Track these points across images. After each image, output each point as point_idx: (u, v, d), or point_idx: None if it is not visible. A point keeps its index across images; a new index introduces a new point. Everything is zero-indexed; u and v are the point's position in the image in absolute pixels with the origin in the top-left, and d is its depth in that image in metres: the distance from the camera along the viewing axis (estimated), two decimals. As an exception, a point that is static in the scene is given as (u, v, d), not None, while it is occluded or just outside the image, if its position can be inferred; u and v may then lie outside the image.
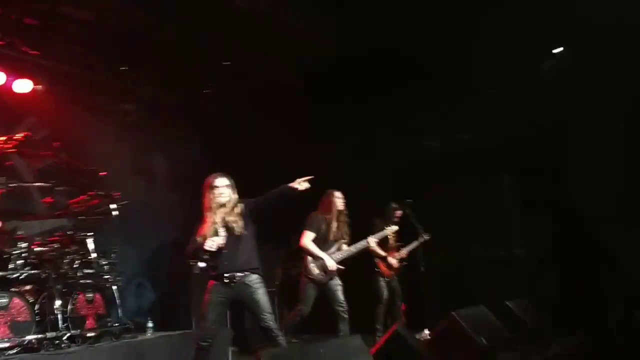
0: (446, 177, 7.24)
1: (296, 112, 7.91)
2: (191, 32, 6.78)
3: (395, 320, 6.32)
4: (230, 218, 4.37)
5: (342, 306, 5.26)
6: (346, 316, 5.25)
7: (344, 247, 5.50)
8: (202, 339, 4.34)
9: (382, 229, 5.90)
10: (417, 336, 5.86)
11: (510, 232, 7.15)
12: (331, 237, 5.42)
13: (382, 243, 6.27)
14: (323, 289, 5.35)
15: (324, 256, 5.30)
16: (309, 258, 5.33)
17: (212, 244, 4.29)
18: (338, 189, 5.62)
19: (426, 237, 6.37)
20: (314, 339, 4.74)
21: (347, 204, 5.58)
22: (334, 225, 5.44)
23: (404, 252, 6.64)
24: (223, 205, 4.41)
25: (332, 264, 5.29)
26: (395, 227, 5.90)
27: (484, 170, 7.24)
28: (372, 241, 5.60)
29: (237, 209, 4.43)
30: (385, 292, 6.39)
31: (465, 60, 6.78)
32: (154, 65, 7.26)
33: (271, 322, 4.28)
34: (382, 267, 6.48)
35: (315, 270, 5.33)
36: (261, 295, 4.34)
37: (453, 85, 7.03)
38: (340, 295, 5.33)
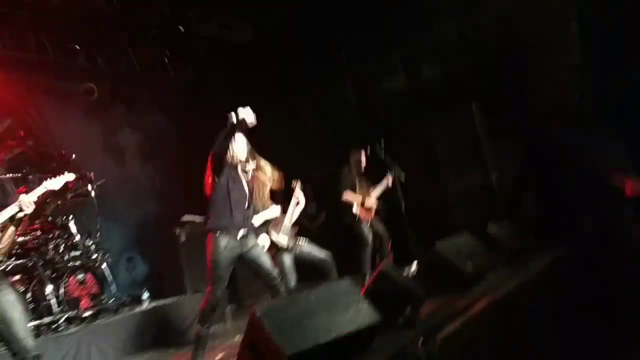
0: (414, 113, 7.27)
1: (256, 71, 7.83)
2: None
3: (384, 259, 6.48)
4: (249, 167, 4.43)
5: (324, 260, 5.29)
6: (333, 264, 5.29)
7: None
8: (215, 300, 4.25)
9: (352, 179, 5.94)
10: (406, 271, 6.04)
11: (484, 160, 7.25)
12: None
13: (353, 188, 6.31)
14: (296, 254, 5.30)
15: (263, 214, 5.11)
16: (271, 232, 5.17)
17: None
18: (306, 142, 5.57)
19: (402, 176, 6.44)
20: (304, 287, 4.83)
21: (317, 156, 5.55)
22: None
23: (377, 191, 6.57)
24: (246, 161, 4.44)
25: (273, 215, 5.18)
26: None
27: (450, 102, 7.27)
28: (299, 194, 5.46)
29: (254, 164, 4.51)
30: (369, 236, 6.35)
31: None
32: (107, 40, 7.10)
33: (274, 273, 4.36)
34: (360, 212, 6.41)
35: (281, 238, 5.20)
36: (262, 248, 4.45)
37: (409, 21, 6.98)
38: (317, 252, 5.33)
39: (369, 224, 6.36)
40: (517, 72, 6.61)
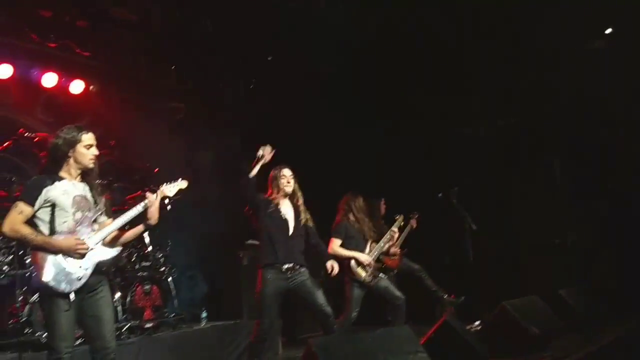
0: (492, 164, 7.11)
1: (335, 104, 7.93)
2: (232, 29, 6.91)
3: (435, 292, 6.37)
4: (300, 207, 4.58)
5: (398, 299, 5.23)
6: (404, 309, 5.22)
7: (374, 245, 5.44)
8: (263, 333, 4.35)
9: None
10: (468, 327, 5.83)
11: (562, 218, 6.97)
12: (359, 238, 5.38)
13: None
14: (371, 290, 5.30)
15: (355, 254, 5.26)
16: (352, 262, 5.27)
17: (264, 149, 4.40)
18: (384, 182, 5.60)
19: (474, 226, 6.30)
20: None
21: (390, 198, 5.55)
22: (359, 226, 5.42)
23: (399, 239, 6.38)
24: (288, 194, 4.58)
25: (365, 258, 5.26)
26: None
27: (532, 156, 7.07)
28: (395, 230, 5.60)
29: (302, 203, 4.64)
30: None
31: (508, 43, 6.65)
32: (198, 64, 7.44)
33: (328, 309, 4.38)
34: (387, 261, 6.38)
35: (360, 272, 5.26)
36: (315, 284, 4.46)
37: (495, 69, 6.89)
38: (392, 289, 5.30)
39: (395, 275, 6.28)
40: (606, 130, 6.37)
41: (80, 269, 3.31)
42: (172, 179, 6.76)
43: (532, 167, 7.11)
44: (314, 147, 7.78)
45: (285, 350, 6.37)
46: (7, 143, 5.65)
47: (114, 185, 6.22)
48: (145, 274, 6.02)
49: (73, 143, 3.46)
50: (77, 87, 6.75)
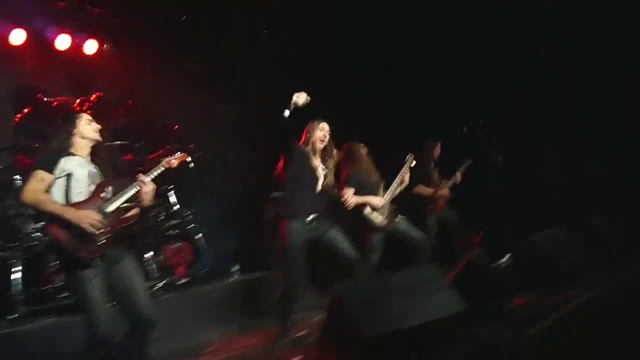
0: (518, 95, 6.83)
1: (351, 48, 7.71)
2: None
3: (464, 251, 6.30)
4: (330, 162, 4.53)
5: (419, 242, 5.23)
6: (427, 250, 5.24)
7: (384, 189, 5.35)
8: (292, 284, 4.39)
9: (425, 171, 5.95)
10: (497, 263, 5.79)
11: (592, 148, 6.74)
12: (369, 184, 5.26)
13: (427, 180, 6.30)
14: (390, 231, 5.26)
15: (368, 198, 5.16)
16: (366, 208, 5.17)
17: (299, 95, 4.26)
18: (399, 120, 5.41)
19: (500, 159, 6.13)
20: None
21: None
22: (367, 172, 5.31)
23: (450, 181, 6.52)
24: (324, 149, 4.53)
25: (378, 200, 5.17)
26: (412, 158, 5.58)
27: (559, 86, 6.77)
28: (407, 171, 5.45)
29: (333, 160, 4.56)
30: (434, 229, 6.28)
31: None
32: (213, 15, 7.28)
33: (354, 253, 4.39)
34: (432, 205, 6.36)
35: (375, 217, 5.19)
36: (339, 232, 4.46)
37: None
38: (412, 233, 5.28)
39: (439, 216, 6.33)
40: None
41: (98, 236, 3.33)
42: (191, 135, 6.87)
43: (556, 97, 6.80)
44: (337, 97, 7.62)
45: (315, 298, 6.44)
46: (26, 110, 5.69)
47: (135, 145, 6.25)
48: (175, 231, 6.12)
49: (75, 121, 3.61)
50: (90, 47, 6.71)
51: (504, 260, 5.62)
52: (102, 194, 3.49)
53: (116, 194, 3.54)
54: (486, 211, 6.27)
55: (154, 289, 5.50)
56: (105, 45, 6.77)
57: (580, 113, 6.65)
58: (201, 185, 6.74)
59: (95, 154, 3.66)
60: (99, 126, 3.69)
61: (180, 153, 4.01)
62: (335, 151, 4.64)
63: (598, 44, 6.33)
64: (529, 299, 3.92)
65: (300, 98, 4.24)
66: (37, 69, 6.41)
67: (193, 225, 6.32)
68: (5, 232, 5.03)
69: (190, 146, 6.38)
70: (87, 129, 3.62)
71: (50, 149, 3.54)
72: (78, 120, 3.62)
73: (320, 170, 4.53)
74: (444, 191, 6.41)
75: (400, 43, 7.37)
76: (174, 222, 6.16)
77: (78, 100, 5.79)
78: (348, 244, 4.45)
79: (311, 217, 4.37)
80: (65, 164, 3.43)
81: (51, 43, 6.41)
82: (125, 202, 3.54)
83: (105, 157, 3.74)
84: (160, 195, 6.16)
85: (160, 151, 6.17)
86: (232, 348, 4.74)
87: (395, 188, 5.36)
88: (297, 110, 4.21)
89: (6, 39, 6.10)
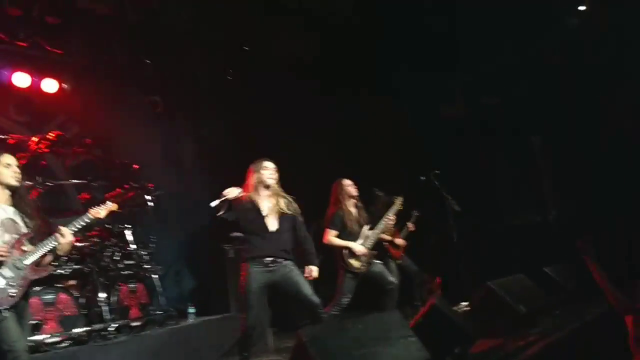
0: (472, 143, 7.09)
1: (316, 91, 7.85)
2: (208, 18, 6.80)
3: (421, 297, 6.42)
4: (282, 200, 4.48)
5: (391, 284, 5.24)
6: (395, 295, 5.26)
7: (368, 232, 5.39)
8: (250, 327, 4.34)
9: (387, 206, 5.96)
10: (455, 308, 5.88)
11: (544, 195, 7.01)
12: (353, 226, 5.33)
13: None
14: (365, 277, 5.27)
15: (349, 244, 5.23)
16: (345, 252, 5.23)
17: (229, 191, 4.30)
18: (365, 166, 5.56)
19: (456, 208, 6.33)
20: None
21: (375, 180, 5.52)
22: (352, 213, 5.37)
23: (405, 231, 6.70)
24: (268, 186, 4.48)
25: (359, 249, 5.23)
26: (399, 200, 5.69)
27: (512, 133, 7.06)
28: (391, 217, 5.54)
29: (284, 196, 4.54)
30: (394, 274, 6.24)
31: (485, 22, 6.61)
32: (174, 55, 7.31)
33: (315, 298, 4.35)
34: (391, 250, 6.56)
35: (353, 262, 5.22)
36: (300, 275, 4.42)
37: (473, 49, 6.86)
38: (386, 275, 5.31)
39: (397, 263, 6.48)
40: (585, 107, 6.39)
41: (13, 288, 3.33)
42: (149, 173, 6.78)
43: (513, 146, 7.10)
44: (294, 133, 7.70)
45: (277, 341, 6.35)
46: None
47: (92, 184, 6.11)
48: (129, 272, 5.95)
49: None
50: (50, 86, 6.61)
51: (462, 305, 5.72)
52: (22, 247, 3.45)
53: (35, 245, 3.50)
54: (443, 258, 6.40)
55: (107, 330, 5.31)
56: (65, 85, 6.66)
57: (532, 161, 6.93)
58: (160, 224, 6.62)
59: (17, 197, 3.55)
60: (17, 170, 3.52)
61: (110, 204, 3.92)
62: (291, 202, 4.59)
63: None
64: (490, 344, 3.97)
65: (231, 193, 4.33)
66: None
67: (149, 265, 6.17)
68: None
69: (148, 185, 6.33)
70: (4, 173, 3.48)
71: None
72: None
73: (271, 212, 4.47)
74: (401, 240, 6.60)
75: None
76: (129, 262, 6.00)
77: (37, 138, 5.65)
78: (310, 288, 4.42)
79: (268, 259, 4.34)
80: None
81: (9, 80, 6.29)
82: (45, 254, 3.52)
83: (26, 199, 3.64)
84: (116, 234, 6.02)
85: (118, 190, 6.04)
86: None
87: (377, 233, 5.42)
88: (226, 202, 4.31)
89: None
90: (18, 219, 3.52)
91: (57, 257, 3.67)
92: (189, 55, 7.46)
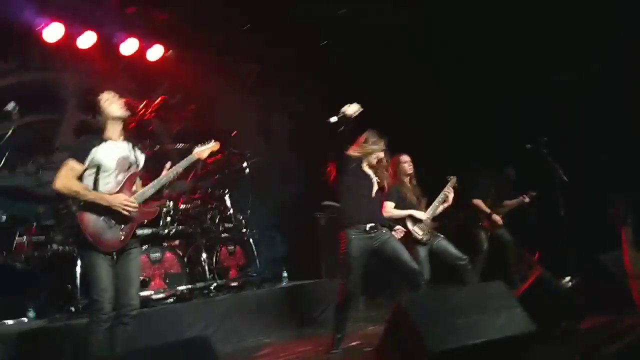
0: (582, 113, 6.65)
1: (414, 61, 7.65)
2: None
3: (520, 271, 6.25)
4: (382, 172, 4.52)
5: (460, 259, 5.17)
6: (470, 266, 5.19)
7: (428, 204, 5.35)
8: (348, 292, 4.36)
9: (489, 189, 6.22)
10: (562, 282, 5.65)
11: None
12: (412, 199, 5.28)
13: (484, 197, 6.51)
14: (431, 248, 5.25)
15: (410, 211, 5.18)
16: (408, 223, 5.19)
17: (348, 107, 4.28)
18: (467, 139, 5.40)
19: (565, 178, 6.01)
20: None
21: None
22: (408, 187, 5.31)
23: (509, 206, 6.65)
24: (372, 153, 4.50)
25: (421, 214, 5.19)
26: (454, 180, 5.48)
27: (624, 103, 6.54)
28: (450, 190, 5.37)
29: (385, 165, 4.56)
30: (485, 244, 6.45)
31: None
32: (272, 24, 7.36)
33: (414, 264, 4.35)
34: (486, 223, 6.51)
35: (418, 231, 5.19)
36: (398, 242, 4.42)
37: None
38: (452, 249, 5.23)
39: (490, 234, 6.50)
40: None
41: (121, 231, 3.45)
42: (247, 142, 6.96)
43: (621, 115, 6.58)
44: (392, 109, 7.58)
45: (366, 309, 6.41)
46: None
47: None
48: (228, 235, 6.19)
49: (96, 105, 3.59)
50: (155, 52, 6.87)
51: (566, 280, 5.47)
52: (132, 187, 3.58)
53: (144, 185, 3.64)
54: (548, 230, 6.12)
55: (208, 289, 5.57)
56: (170, 51, 6.91)
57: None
58: (255, 191, 6.80)
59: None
60: (122, 100, 3.63)
61: (212, 142, 4.01)
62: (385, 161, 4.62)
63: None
64: (599, 321, 3.79)
65: (351, 109, 4.26)
66: (104, 71, 6.61)
67: (246, 229, 6.38)
68: (68, 227, 5.16)
69: (246, 152, 6.51)
70: (112, 108, 3.59)
71: (84, 139, 3.61)
72: (101, 102, 3.59)
73: (373, 178, 4.51)
74: (498, 217, 6.50)
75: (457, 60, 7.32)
76: (228, 225, 6.24)
77: (143, 103, 5.91)
78: (409, 255, 4.40)
79: (369, 225, 4.35)
80: (96, 153, 3.48)
81: (118, 47, 6.60)
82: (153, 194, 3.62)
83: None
84: (216, 198, 6.25)
85: (219, 156, 6.26)
86: (285, 354, 4.71)
87: (437, 206, 5.35)
88: (345, 119, 4.23)
89: (76, 40, 6.32)
90: (131, 156, 3.63)
91: (161, 196, 3.78)
92: (285, 25, 7.50)
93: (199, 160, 3.96)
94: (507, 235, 6.56)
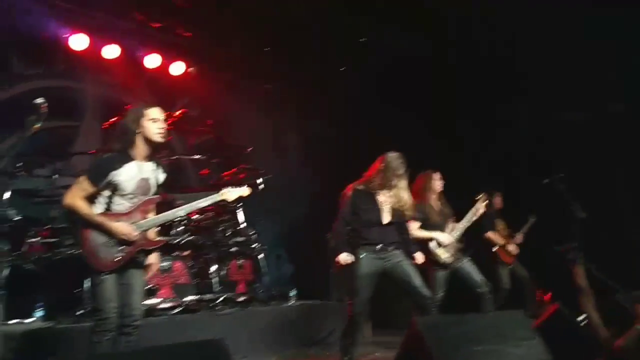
0: (595, 150, 6.66)
1: (430, 87, 7.70)
2: (325, 12, 6.88)
3: (530, 305, 6.16)
4: (403, 202, 4.49)
5: (482, 287, 4.99)
6: (490, 296, 4.99)
7: (454, 225, 5.21)
8: (356, 313, 4.32)
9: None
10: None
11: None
12: (436, 219, 5.15)
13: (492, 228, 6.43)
14: (454, 272, 5.10)
15: (435, 234, 5.06)
16: (430, 244, 5.07)
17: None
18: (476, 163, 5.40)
19: (583, 214, 5.95)
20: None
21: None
22: (434, 207, 5.21)
23: (519, 237, 6.64)
24: (394, 186, 4.47)
25: (445, 237, 5.06)
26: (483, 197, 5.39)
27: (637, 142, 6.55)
28: (478, 208, 5.27)
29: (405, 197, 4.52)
30: (505, 280, 6.39)
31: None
32: (292, 45, 7.46)
33: (425, 290, 4.30)
34: (502, 256, 6.42)
35: (441, 253, 5.07)
36: (411, 266, 4.37)
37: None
38: (475, 275, 5.05)
39: (509, 268, 6.46)
40: None
41: (119, 252, 3.36)
42: (259, 158, 6.99)
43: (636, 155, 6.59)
44: (404, 134, 7.60)
45: (373, 335, 6.34)
46: (114, 119, 5.90)
47: (212, 161, 6.39)
48: (239, 249, 6.17)
49: (138, 118, 3.41)
50: (177, 68, 6.97)
51: (580, 318, 5.40)
52: (146, 212, 3.49)
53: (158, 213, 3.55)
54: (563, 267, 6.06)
55: (215, 302, 5.52)
56: (191, 68, 7.01)
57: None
58: (268, 207, 6.80)
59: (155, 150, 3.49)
60: (163, 126, 3.44)
61: (245, 188, 3.98)
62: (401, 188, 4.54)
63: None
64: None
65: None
66: (127, 83, 6.70)
67: (257, 244, 6.36)
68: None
69: (260, 169, 6.53)
70: (149, 127, 3.40)
71: (106, 159, 3.48)
72: (143, 119, 3.40)
73: (386, 207, 4.47)
74: (513, 247, 6.50)
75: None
76: (239, 239, 6.22)
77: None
78: (420, 280, 4.35)
79: (379, 246, 4.33)
80: (114, 177, 3.36)
81: (141, 60, 6.70)
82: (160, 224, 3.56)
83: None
84: (229, 211, 6.25)
85: (234, 169, 6.29)
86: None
87: (464, 227, 5.24)
88: None
89: (101, 51, 6.41)
90: (152, 178, 3.51)
91: (168, 232, 3.75)
92: (305, 47, 7.58)
93: (223, 200, 3.85)
94: (523, 271, 6.51)
